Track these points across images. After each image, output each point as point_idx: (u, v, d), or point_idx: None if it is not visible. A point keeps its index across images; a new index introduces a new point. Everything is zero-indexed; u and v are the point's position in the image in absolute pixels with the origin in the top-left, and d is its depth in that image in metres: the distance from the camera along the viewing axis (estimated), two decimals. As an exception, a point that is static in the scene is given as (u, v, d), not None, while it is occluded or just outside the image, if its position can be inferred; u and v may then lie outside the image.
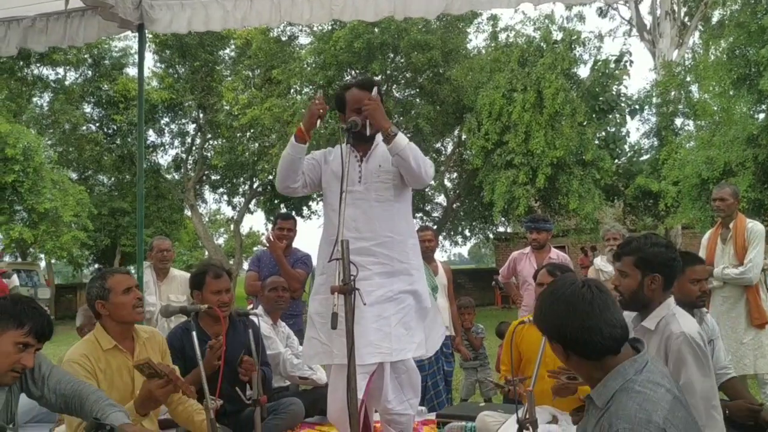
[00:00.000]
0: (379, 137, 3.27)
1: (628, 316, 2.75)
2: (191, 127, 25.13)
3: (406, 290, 3.21)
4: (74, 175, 24.09)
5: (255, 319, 3.59)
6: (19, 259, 22.74)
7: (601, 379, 1.98)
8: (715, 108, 13.68)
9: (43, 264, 25.06)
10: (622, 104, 17.72)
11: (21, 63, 20.93)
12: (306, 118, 3.19)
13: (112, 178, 25.59)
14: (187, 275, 5.64)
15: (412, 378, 3.29)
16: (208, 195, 28.17)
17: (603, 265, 5.77)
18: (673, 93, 17.39)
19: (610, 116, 17.68)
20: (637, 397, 1.87)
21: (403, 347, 3.12)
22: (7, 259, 20.26)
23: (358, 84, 3.30)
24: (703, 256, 5.09)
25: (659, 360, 2.11)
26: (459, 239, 25.06)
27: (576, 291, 1.97)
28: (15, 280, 6.95)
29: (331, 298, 2.70)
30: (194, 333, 2.90)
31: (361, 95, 3.19)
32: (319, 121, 3.16)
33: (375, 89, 3.22)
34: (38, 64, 21.95)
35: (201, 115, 24.04)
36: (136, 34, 5.15)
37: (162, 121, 24.33)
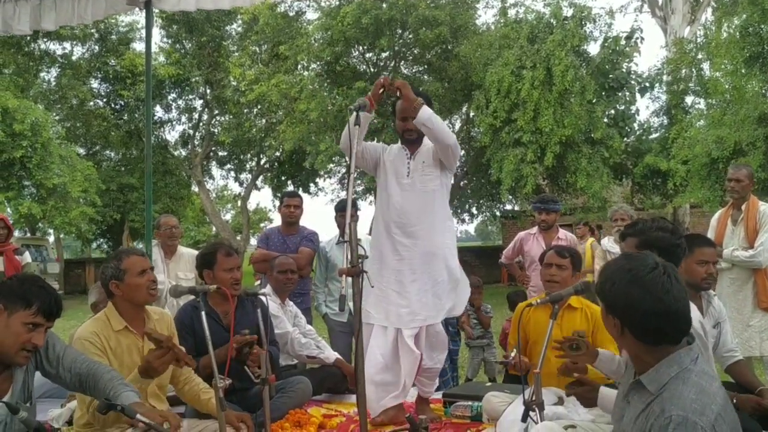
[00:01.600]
0: (425, 140, 3.85)
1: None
2: (198, 103, 25.14)
3: (442, 267, 3.79)
4: (82, 151, 24.13)
5: (263, 298, 3.61)
6: (28, 234, 22.89)
7: (650, 363, 1.96)
8: (727, 86, 13.52)
9: (51, 239, 25.23)
10: (632, 82, 17.50)
11: (28, 38, 20.85)
12: (373, 89, 3.64)
13: (120, 154, 25.62)
14: (195, 252, 5.67)
15: (440, 338, 3.88)
16: (216, 171, 28.27)
17: (611, 246, 5.76)
18: (684, 71, 17.17)
19: (620, 94, 17.48)
20: (694, 387, 1.85)
21: (432, 314, 3.76)
22: (16, 234, 20.37)
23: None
24: (712, 236, 5.03)
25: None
26: (466, 217, 25.04)
27: (657, 277, 1.93)
28: (27, 257, 6.97)
29: (376, 271, 3.57)
30: (203, 314, 2.92)
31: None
32: (382, 91, 3.61)
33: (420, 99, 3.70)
34: (45, 39, 21.87)
35: (208, 91, 23.99)
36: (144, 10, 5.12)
37: (169, 97, 24.29)
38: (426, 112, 3.62)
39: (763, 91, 12.79)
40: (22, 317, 2.34)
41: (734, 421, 1.88)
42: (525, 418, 2.76)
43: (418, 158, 3.84)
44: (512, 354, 3.46)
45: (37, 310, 2.35)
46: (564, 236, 5.71)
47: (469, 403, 4.08)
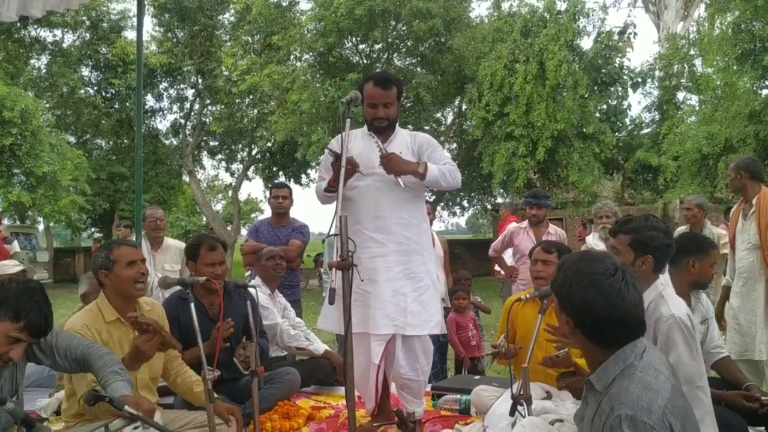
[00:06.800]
0: (398, 128, 3.54)
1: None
2: (190, 93, 24.94)
3: (422, 270, 3.46)
4: (72, 139, 23.98)
5: (253, 291, 3.60)
6: (18, 223, 22.75)
7: (600, 362, 1.98)
8: (718, 83, 13.57)
9: (41, 227, 25.08)
10: (625, 77, 17.57)
11: (18, 24, 20.65)
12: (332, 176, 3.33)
13: (111, 143, 25.47)
14: (182, 245, 5.68)
15: (426, 348, 3.52)
16: (207, 161, 28.14)
17: (595, 243, 5.74)
18: (676, 66, 17.24)
19: (612, 89, 17.54)
20: (639, 383, 1.86)
21: (418, 324, 3.38)
22: (5, 222, 20.26)
23: (375, 79, 3.45)
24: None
25: (655, 347, 2.12)
26: (457, 210, 25.10)
27: (614, 282, 1.93)
28: (16, 246, 6.96)
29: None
30: (192, 305, 2.91)
31: (375, 92, 3.40)
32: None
33: (395, 90, 3.41)
34: (35, 26, 21.66)
35: (200, 81, 23.83)
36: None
37: (160, 86, 24.10)
38: (433, 173, 3.33)
39: (754, 88, 12.85)
40: (6, 329, 2.25)
41: (683, 409, 1.89)
42: (513, 412, 2.77)
43: (392, 148, 3.44)
44: (501, 342, 3.48)
45: (23, 327, 2.26)
46: (554, 231, 5.74)
47: (458, 396, 4.10)
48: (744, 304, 4.57)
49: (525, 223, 5.84)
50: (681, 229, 6.13)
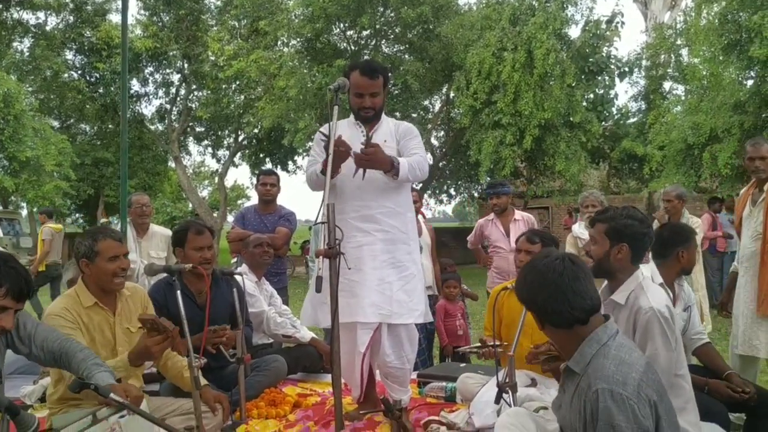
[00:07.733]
0: (384, 117, 3.55)
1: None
2: (176, 78, 24.70)
3: (408, 259, 3.46)
4: (56, 124, 23.69)
5: (239, 278, 3.59)
6: (1, 208, 22.50)
7: (574, 348, 2.08)
8: (704, 73, 13.62)
9: (24, 212, 24.83)
10: (612, 66, 17.61)
11: (0, 6, 20.35)
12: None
13: (95, 128, 25.20)
14: (168, 232, 5.65)
15: (411, 336, 3.53)
16: (193, 147, 27.95)
17: (581, 232, 5.77)
18: (663, 56, 17.30)
19: (599, 78, 17.58)
20: (614, 360, 1.98)
21: (403, 312, 3.38)
22: (-12, 207, 20.07)
23: (361, 68, 3.41)
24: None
25: (623, 335, 2.21)
26: (444, 197, 25.12)
27: (549, 263, 2.09)
28: (-1, 231, 6.89)
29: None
30: (179, 293, 2.90)
31: (362, 81, 3.38)
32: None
33: (381, 79, 3.40)
34: (18, 8, 21.34)
35: (186, 66, 23.60)
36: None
37: (146, 71, 23.85)
38: (404, 169, 3.29)
39: (740, 79, 12.91)
40: None
41: (658, 383, 2.04)
42: (498, 399, 2.80)
43: (378, 137, 3.42)
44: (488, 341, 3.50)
45: (5, 293, 2.24)
46: (521, 217, 5.84)
47: (444, 383, 4.12)
48: (746, 295, 4.27)
49: (492, 215, 5.94)
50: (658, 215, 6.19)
